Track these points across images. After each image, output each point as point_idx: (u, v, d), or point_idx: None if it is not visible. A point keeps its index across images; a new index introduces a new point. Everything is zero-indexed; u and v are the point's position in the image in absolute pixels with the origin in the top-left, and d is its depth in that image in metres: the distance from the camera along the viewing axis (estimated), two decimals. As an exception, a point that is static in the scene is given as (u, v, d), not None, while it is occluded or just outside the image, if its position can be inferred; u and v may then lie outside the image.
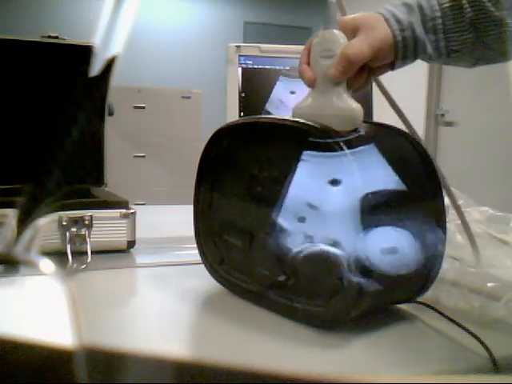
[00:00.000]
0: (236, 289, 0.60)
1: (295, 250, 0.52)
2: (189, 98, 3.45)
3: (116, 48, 0.53)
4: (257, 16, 4.98)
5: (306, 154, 0.51)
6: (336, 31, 0.55)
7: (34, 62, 0.89)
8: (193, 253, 0.65)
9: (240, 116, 1.00)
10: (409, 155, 0.56)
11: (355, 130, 0.53)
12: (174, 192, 2.65)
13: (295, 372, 0.38)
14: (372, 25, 0.56)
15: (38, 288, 0.47)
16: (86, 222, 0.75)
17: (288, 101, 1.01)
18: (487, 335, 0.47)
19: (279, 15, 5.00)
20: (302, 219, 0.51)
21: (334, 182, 0.49)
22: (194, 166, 0.63)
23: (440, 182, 0.55)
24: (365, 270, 0.47)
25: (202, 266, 0.63)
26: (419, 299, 0.55)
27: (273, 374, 0.37)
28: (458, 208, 0.62)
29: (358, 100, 0.56)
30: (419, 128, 3.42)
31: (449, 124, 3.57)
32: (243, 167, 0.59)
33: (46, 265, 0.38)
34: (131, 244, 0.80)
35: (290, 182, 0.52)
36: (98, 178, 0.92)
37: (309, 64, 0.57)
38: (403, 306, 0.57)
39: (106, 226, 0.77)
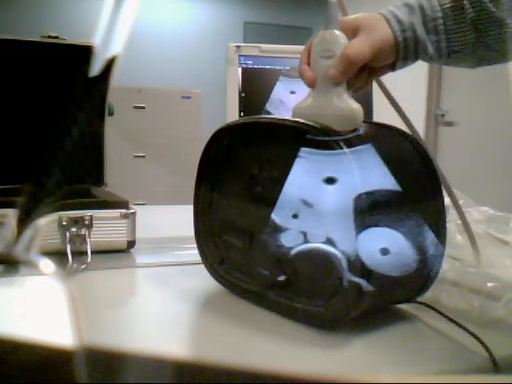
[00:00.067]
0: (236, 289, 0.60)
1: (295, 250, 0.52)
2: (189, 98, 3.45)
3: (116, 48, 0.53)
4: (257, 16, 4.98)
5: (306, 154, 0.51)
6: (336, 31, 0.55)
7: (34, 62, 0.89)
8: (193, 253, 0.65)
9: (240, 116, 1.00)
10: (409, 155, 0.56)
11: (355, 130, 0.53)
12: (174, 192, 2.65)
13: (295, 372, 0.38)
14: (373, 25, 0.56)
15: (38, 288, 0.47)
16: (86, 222, 0.75)
17: (288, 101, 1.01)
18: (487, 335, 0.47)
19: (279, 15, 5.00)
20: (301, 219, 0.51)
21: (334, 182, 0.49)
22: (193, 166, 0.63)
23: (440, 181, 0.55)
24: (365, 270, 0.47)
25: (202, 266, 0.63)
26: (419, 299, 0.55)
27: (273, 373, 0.38)
28: (458, 208, 0.62)
29: (358, 100, 0.56)
30: (419, 128, 3.40)
31: (449, 124, 3.57)
32: (243, 167, 0.59)
33: (46, 265, 0.38)
34: (131, 244, 0.80)
35: (290, 182, 0.52)
36: (98, 178, 0.93)
37: (309, 64, 0.57)
38: (403, 306, 0.57)
39: (105, 226, 0.77)
